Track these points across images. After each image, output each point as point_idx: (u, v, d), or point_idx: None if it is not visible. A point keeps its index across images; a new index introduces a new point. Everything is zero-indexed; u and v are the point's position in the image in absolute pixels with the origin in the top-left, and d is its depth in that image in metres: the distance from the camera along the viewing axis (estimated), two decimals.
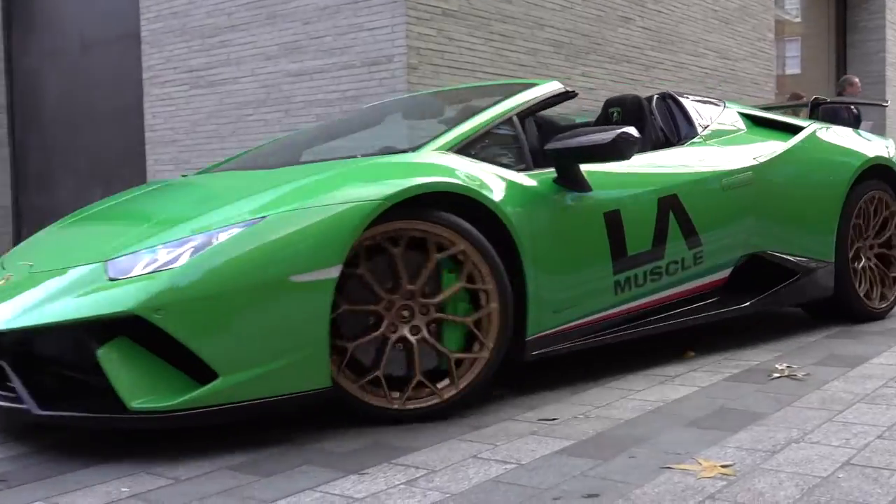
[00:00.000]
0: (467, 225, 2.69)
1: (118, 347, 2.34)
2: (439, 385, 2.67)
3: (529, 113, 3.28)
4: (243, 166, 3.57)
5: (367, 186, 2.57)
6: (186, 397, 2.32)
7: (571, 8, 8.03)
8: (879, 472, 2.03)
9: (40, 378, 2.47)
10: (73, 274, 2.49)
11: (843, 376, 3.05)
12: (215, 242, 2.40)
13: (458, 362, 2.70)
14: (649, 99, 3.96)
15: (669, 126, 3.86)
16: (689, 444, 2.32)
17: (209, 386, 2.33)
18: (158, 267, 2.37)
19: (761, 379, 3.06)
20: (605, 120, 4.02)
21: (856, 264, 4.07)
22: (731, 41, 10.47)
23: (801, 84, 13.06)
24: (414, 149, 2.95)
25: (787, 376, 3.08)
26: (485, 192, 2.75)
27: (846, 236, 3.99)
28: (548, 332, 2.94)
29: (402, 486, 2.07)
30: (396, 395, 2.62)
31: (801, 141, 4.00)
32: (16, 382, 2.44)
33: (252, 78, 7.43)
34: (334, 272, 2.43)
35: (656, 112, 3.88)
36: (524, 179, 2.96)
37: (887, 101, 6.54)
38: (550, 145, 3.01)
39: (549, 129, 4.27)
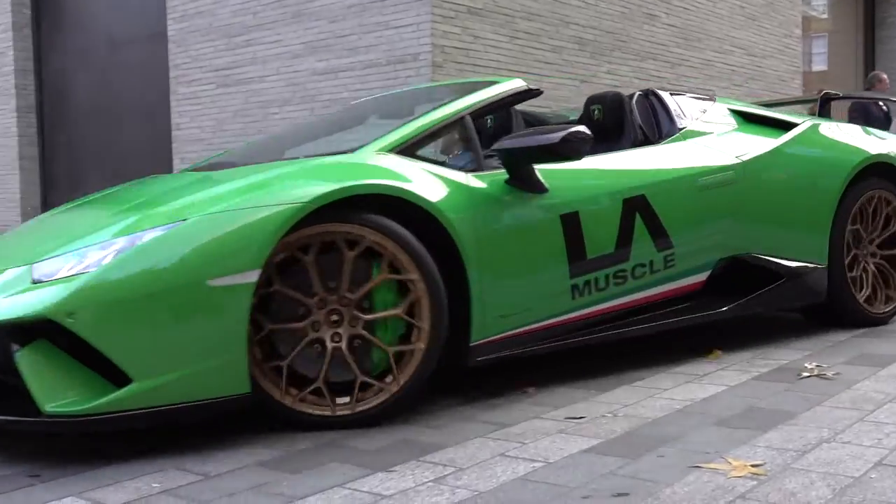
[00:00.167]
0: (396, 226, 2.62)
1: (36, 350, 2.33)
2: (386, 380, 2.62)
3: (487, 111, 3.21)
4: (211, 167, 3.50)
5: (291, 189, 2.52)
6: (100, 402, 2.28)
7: (596, 5, 8.00)
8: None
9: None
10: (7, 276, 2.48)
11: (874, 376, 3.02)
12: (136, 245, 2.38)
13: (399, 356, 2.64)
14: (631, 96, 3.84)
15: (650, 124, 3.73)
16: (719, 443, 2.30)
17: (123, 390, 2.29)
18: (82, 269, 2.35)
19: (790, 378, 3.03)
20: (587, 117, 3.94)
21: (855, 267, 3.90)
22: (758, 38, 10.39)
23: (828, 81, 12.93)
24: (354, 150, 2.90)
25: (816, 375, 3.05)
26: (420, 194, 2.67)
27: (841, 238, 3.80)
28: (495, 337, 2.86)
29: (430, 484, 2.07)
30: (345, 400, 2.59)
31: (793, 139, 3.82)
32: None
33: (278, 76, 7.46)
34: (252, 276, 2.40)
35: (636, 109, 3.74)
36: (471, 180, 2.88)
37: None
38: (497, 145, 2.94)
39: (538, 126, 4.22)
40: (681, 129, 3.66)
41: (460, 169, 2.96)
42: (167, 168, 8.33)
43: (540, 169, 3.03)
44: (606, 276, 3.13)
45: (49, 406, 2.28)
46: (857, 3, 14.03)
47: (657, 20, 8.78)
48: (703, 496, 1.91)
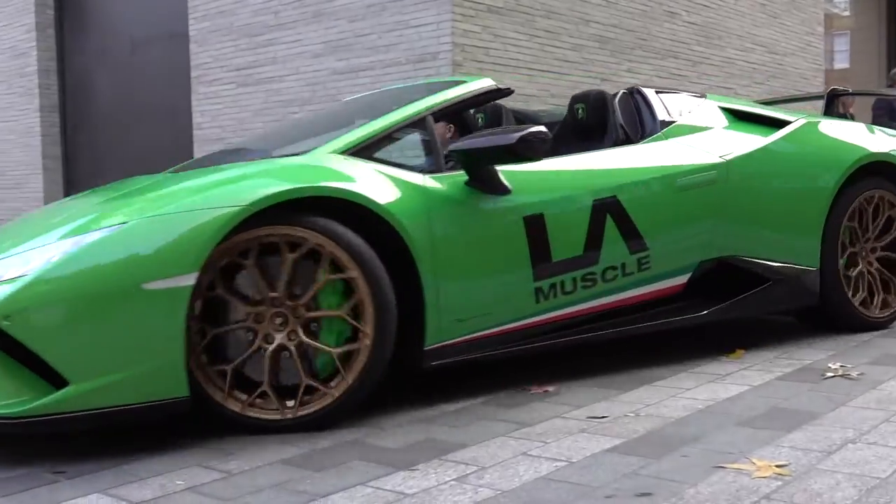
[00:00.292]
0: (339, 228, 2.59)
1: None
2: (331, 384, 2.61)
3: (452, 111, 3.17)
4: (186, 167, 3.48)
5: (233, 192, 2.50)
6: (36, 404, 2.29)
7: (617, 3, 7.97)
8: None
9: None
10: None
11: None
12: (76, 248, 2.38)
13: (345, 358, 2.62)
14: (616, 95, 3.77)
15: (633, 123, 3.64)
16: (742, 443, 2.29)
17: (59, 393, 2.30)
18: (24, 272, 2.36)
19: (814, 378, 3.01)
20: (571, 117, 3.91)
21: (851, 270, 3.77)
22: (780, 36, 10.32)
23: (850, 79, 12.83)
24: (307, 151, 2.88)
25: (840, 375, 3.03)
26: (368, 196, 2.64)
27: (835, 240, 3.67)
28: (452, 341, 2.82)
29: (452, 483, 2.07)
30: (292, 403, 2.58)
31: (783, 137, 3.68)
32: None
33: (298, 76, 7.49)
34: (189, 280, 2.39)
35: (617, 108, 3.65)
36: (428, 182, 2.84)
37: None
38: (453, 146, 2.89)
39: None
40: (663, 128, 3.56)
41: (420, 170, 2.91)
42: None
43: (504, 170, 2.98)
44: (574, 279, 3.06)
45: None
46: (879, 0, 13.91)
47: (678, 18, 8.74)
48: (727, 496, 1.90)
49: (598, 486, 2.01)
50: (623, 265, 3.18)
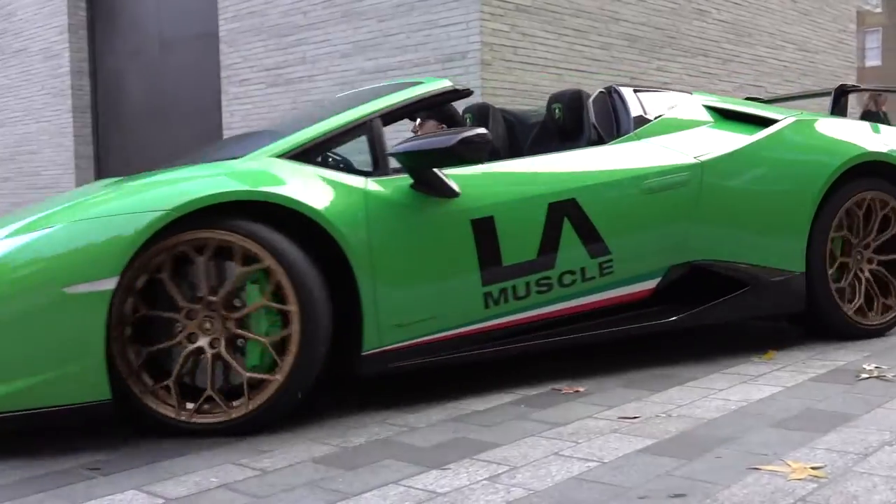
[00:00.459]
0: (266, 232, 2.58)
1: None
2: (235, 403, 2.60)
3: (403, 114, 3.13)
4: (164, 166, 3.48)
5: (157, 197, 2.51)
6: None
7: (646, 1, 7.93)
8: None
9: None
10: None
11: None
12: (3, 251, 2.41)
13: (258, 382, 2.60)
14: (592, 94, 3.69)
15: (608, 122, 3.55)
16: (776, 445, 2.27)
17: None
18: None
19: (849, 380, 2.98)
20: (549, 117, 3.87)
21: (844, 276, 3.63)
22: (811, 33, 10.22)
23: (882, 76, 12.66)
24: (243, 154, 2.88)
25: (875, 377, 2.99)
26: (301, 200, 2.61)
27: (823, 244, 3.52)
28: (392, 346, 2.78)
29: (484, 482, 2.07)
30: (191, 406, 2.59)
31: (766, 137, 3.52)
32: None
33: (326, 76, 7.52)
34: (110, 284, 2.40)
35: (591, 108, 3.57)
36: (370, 185, 2.81)
37: None
38: (392, 149, 2.84)
39: (519, 126, 4.12)
40: (637, 129, 3.45)
41: (365, 173, 2.88)
42: None
43: (455, 173, 2.95)
44: (527, 284, 2.99)
45: None
46: None
47: (708, 16, 8.68)
48: (761, 498, 1.89)
49: (630, 486, 2.00)
50: (583, 270, 3.09)
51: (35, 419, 2.39)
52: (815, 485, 1.96)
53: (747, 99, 4.85)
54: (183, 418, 2.56)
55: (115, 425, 2.75)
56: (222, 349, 2.59)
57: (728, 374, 3.13)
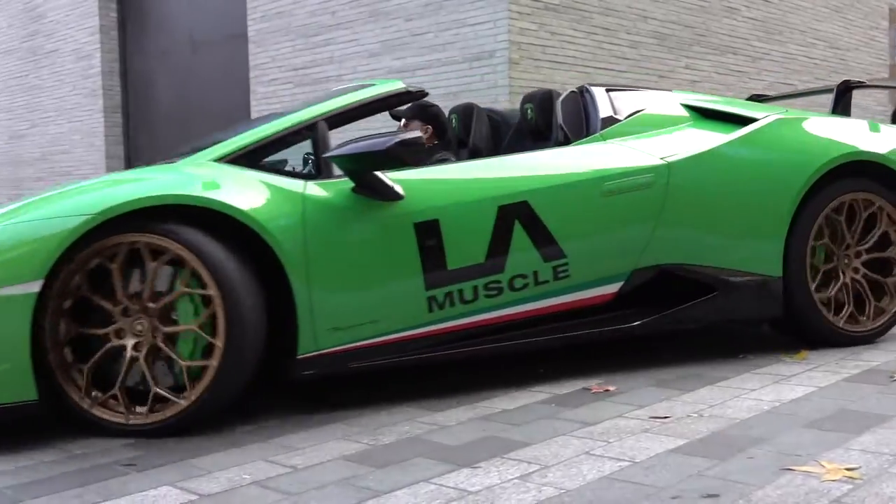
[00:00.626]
0: (197, 236, 2.58)
1: None
2: (182, 395, 2.61)
3: (350, 117, 3.10)
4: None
5: (85, 201, 2.53)
6: None
7: None
8: None
9: None
10: None
11: None
12: None
13: (197, 371, 2.61)
14: (562, 94, 3.60)
15: (577, 123, 3.44)
16: (810, 445, 2.25)
17: None
18: None
19: (882, 380, 2.95)
20: (523, 117, 3.83)
21: (831, 284, 3.48)
22: (843, 30, 10.11)
23: None
24: (183, 158, 2.88)
25: None
26: (231, 203, 2.61)
27: (802, 247, 3.36)
28: (329, 350, 2.75)
29: (515, 481, 2.07)
30: (143, 409, 2.60)
31: (741, 137, 3.38)
32: None
33: (354, 75, 7.55)
34: (34, 287, 2.44)
35: (559, 108, 3.48)
36: (310, 189, 2.79)
37: None
38: (328, 153, 2.83)
39: (504, 127, 4.10)
40: (604, 129, 3.35)
41: (307, 177, 2.87)
42: None
43: (400, 176, 2.92)
44: (475, 288, 2.93)
45: None
46: None
47: (737, 13, 8.62)
48: (796, 499, 1.87)
49: (663, 486, 1.99)
50: (535, 273, 3.02)
51: None
52: (849, 486, 1.94)
53: (750, 97, 4.75)
54: (134, 421, 2.59)
55: None
56: (160, 342, 2.61)
57: (759, 374, 3.11)
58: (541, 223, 3.02)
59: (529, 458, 2.24)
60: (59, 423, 2.73)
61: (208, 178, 2.71)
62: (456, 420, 2.66)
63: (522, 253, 3.00)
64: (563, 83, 6.91)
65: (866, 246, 3.57)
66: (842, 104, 4.11)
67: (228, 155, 2.87)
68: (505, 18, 6.46)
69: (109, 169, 10.22)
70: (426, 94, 3.25)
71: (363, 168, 2.78)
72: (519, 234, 2.99)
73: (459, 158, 3.89)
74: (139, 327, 2.61)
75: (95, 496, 2.08)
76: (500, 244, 2.97)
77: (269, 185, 2.76)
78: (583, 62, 7.05)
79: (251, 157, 2.89)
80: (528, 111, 3.82)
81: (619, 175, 3.17)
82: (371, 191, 2.83)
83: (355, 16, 7.51)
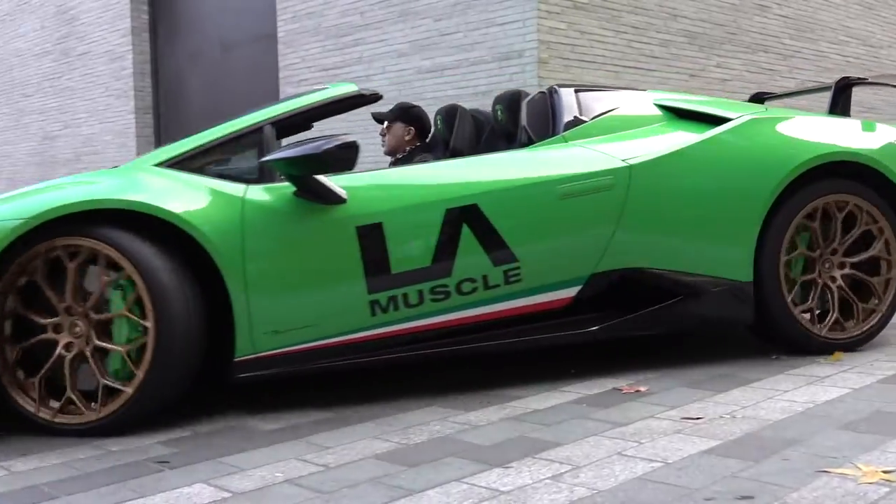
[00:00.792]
0: (132, 242, 2.63)
1: None
2: (93, 405, 2.66)
3: (301, 120, 3.11)
4: None
5: (20, 206, 2.59)
6: None
7: None
8: None
9: None
10: None
11: None
12: None
13: (115, 388, 2.65)
14: (528, 95, 3.57)
15: (543, 124, 3.39)
16: (846, 447, 2.23)
17: None
18: None
19: None
20: (494, 118, 3.79)
21: (812, 294, 3.38)
22: (875, 27, 9.99)
23: None
24: (124, 163, 2.92)
25: None
26: (164, 206, 2.63)
27: (775, 251, 3.26)
28: (267, 353, 2.76)
29: (547, 481, 2.07)
30: (56, 405, 2.66)
31: (711, 137, 3.28)
32: None
33: (384, 76, 7.57)
34: None
35: (524, 110, 3.45)
36: (250, 192, 2.80)
37: None
38: (264, 158, 2.82)
39: (486, 128, 4.07)
40: (566, 131, 3.30)
41: (249, 181, 2.87)
42: None
43: (345, 180, 2.91)
44: (420, 292, 2.91)
45: None
46: None
47: (769, 11, 8.54)
48: (832, 501, 1.85)
49: (696, 487, 1.98)
50: (485, 277, 2.97)
51: None
52: (887, 489, 1.92)
53: (754, 95, 4.63)
54: (43, 415, 2.65)
55: (180, 420, 2.80)
56: (88, 351, 2.66)
57: (793, 376, 3.08)
58: (491, 226, 2.98)
59: (561, 459, 2.24)
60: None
61: (143, 182, 2.75)
62: (487, 420, 2.66)
63: (471, 256, 2.96)
64: (593, 82, 6.89)
65: (845, 248, 3.44)
66: (841, 102, 3.93)
67: (171, 159, 2.91)
68: (534, 17, 6.45)
69: None
70: (380, 98, 3.27)
71: (300, 172, 2.77)
72: (467, 238, 2.96)
73: (440, 160, 3.90)
74: (77, 328, 2.68)
75: (131, 493, 2.10)
76: (447, 248, 2.94)
77: (208, 190, 2.79)
78: (612, 61, 7.02)
79: (193, 162, 2.92)
80: (498, 112, 3.79)
81: (576, 178, 3.10)
82: (312, 194, 2.83)
83: (384, 16, 7.54)
